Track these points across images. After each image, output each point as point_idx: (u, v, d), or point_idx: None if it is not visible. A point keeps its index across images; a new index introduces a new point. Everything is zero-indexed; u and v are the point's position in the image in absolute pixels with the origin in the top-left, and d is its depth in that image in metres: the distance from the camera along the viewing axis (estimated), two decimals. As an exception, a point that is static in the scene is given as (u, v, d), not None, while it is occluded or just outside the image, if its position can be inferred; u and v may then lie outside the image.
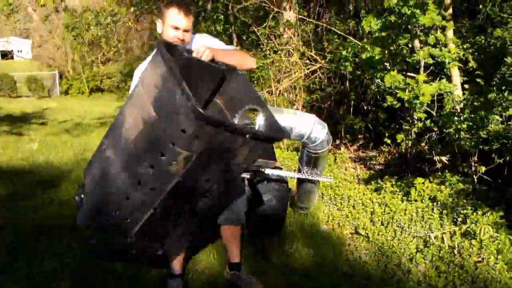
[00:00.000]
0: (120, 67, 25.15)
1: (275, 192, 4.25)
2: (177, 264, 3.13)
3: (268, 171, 4.18)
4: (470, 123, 4.94)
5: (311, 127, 4.00)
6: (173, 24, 2.77)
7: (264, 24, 9.93)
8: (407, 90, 4.84)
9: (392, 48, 5.41)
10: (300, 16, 9.79)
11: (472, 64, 5.24)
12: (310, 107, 10.09)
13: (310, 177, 4.47)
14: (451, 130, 5.14)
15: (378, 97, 8.53)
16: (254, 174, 4.06)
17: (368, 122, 9.35)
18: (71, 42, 19.76)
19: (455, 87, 5.47)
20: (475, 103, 5.11)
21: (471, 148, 5.17)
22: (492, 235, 4.33)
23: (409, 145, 5.80)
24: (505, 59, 4.53)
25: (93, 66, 27.21)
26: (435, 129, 5.32)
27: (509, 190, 5.31)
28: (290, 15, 9.87)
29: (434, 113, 5.49)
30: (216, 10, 11.83)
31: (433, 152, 5.73)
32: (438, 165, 5.88)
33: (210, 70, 2.58)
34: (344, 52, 6.17)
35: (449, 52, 4.97)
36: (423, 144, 5.60)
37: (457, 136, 5.10)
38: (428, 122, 5.41)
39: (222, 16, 11.61)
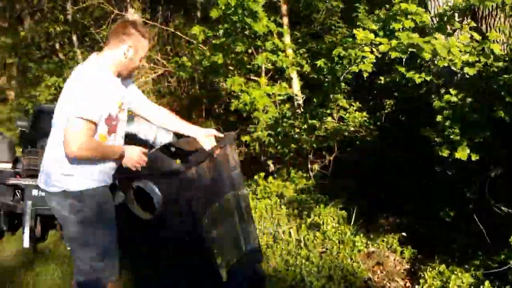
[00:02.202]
0: None
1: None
2: None
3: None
4: (306, 125, 5.28)
5: (155, 132, 3.94)
6: (144, 55, 2.65)
7: (104, 27, 9.56)
8: (244, 93, 5.00)
9: (232, 55, 5.55)
10: (144, 20, 9.62)
11: (306, 68, 5.59)
12: (161, 111, 9.94)
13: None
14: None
15: (228, 100, 8.69)
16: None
17: (219, 125, 9.47)
18: None
19: (292, 91, 5.83)
20: (311, 106, 5.50)
21: (308, 147, 5.52)
22: (334, 226, 4.65)
23: (257, 146, 6.01)
24: (324, 67, 4.91)
25: None
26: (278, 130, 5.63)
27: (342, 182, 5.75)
28: (134, 18, 9.63)
29: (279, 114, 5.76)
30: (53, 10, 11.12)
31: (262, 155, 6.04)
32: (270, 163, 6.19)
33: None
34: (183, 59, 6.18)
35: (287, 57, 5.26)
36: (271, 142, 5.85)
37: (293, 136, 5.41)
38: (269, 123, 5.66)
39: (61, 17, 10.94)
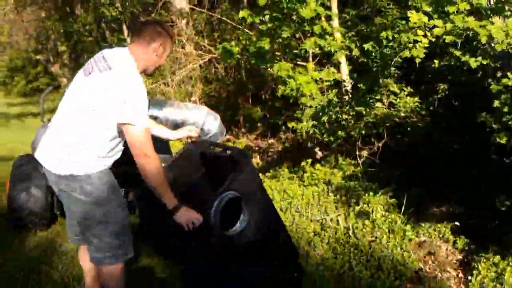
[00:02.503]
0: (5, 62, 23.44)
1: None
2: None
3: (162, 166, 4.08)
4: (354, 111, 5.17)
5: (203, 119, 3.95)
6: (169, 54, 2.78)
7: (153, 14, 9.68)
8: (291, 79, 4.93)
9: (279, 40, 5.48)
10: (191, 6, 9.66)
11: (355, 52, 5.45)
12: (208, 97, 10.02)
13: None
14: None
15: (274, 86, 8.65)
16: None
17: (265, 111, 9.45)
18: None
19: (340, 76, 5.70)
20: (357, 92, 5.37)
21: (357, 134, 5.41)
22: (383, 214, 4.56)
23: (304, 132, 5.94)
24: (372, 50, 4.76)
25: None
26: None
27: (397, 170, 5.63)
28: (182, 4, 9.70)
29: (326, 100, 5.66)
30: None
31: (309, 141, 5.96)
32: (317, 151, 6.12)
33: None
34: (225, 44, 6.14)
35: (335, 41, 5.13)
36: (317, 133, 5.77)
37: (340, 123, 5.31)
38: (317, 109, 5.57)
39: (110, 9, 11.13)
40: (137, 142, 2.44)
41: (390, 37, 4.28)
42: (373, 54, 4.86)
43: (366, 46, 4.75)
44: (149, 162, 2.45)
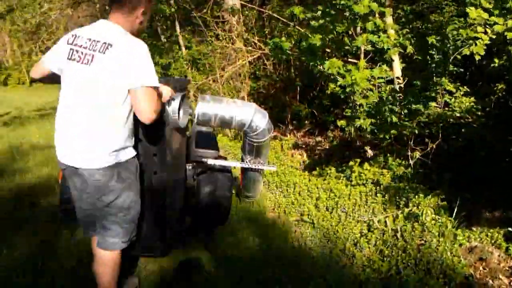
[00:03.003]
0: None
1: (219, 182, 4.17)
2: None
3: (210, 161, 4.10)
4: (408, 108, 5.03)
5: (251, 116, 3.93)
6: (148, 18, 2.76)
7: (205, 10, 9.76)
8: (347, 75, 4.85)
9: (332, 35, 5.40)
10: (242, 2, 9.68)
11: (409, 50, 5.30)
12: (256, 94, 10.04)
13: (253, 166, 4.42)
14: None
15: (323, 83, 8.57)
16: (196, 164, 3.97)
17: (314, 109, 9.39)
18: (9, 31, 18.92)
19: (393, 73, 5.56)
20: (411, 90, 5.22)
21: (409, 133, 5.27)
22: (433, 217, 4.43)
23: (352, 131, 5.84)
24: (437, 44, 4.61)
25: (32, 55, 26.15)
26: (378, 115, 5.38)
27: (448, 173, 5.46)
28: (233, 1, 9.74)
29: (370, 98, 5.55)
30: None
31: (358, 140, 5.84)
32: (368, 149, 5.98)
33: None
34: (277, 40, 6.11)
35: (388, 38, 5.01)
36: (365, 129, 5.65)
37: (392, 122, 5.18)
38: (368, 107, 5.46)
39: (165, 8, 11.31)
40: (147, 103, 2.47)
41: (455, 33, 4.12)
42: (434, 50, 4.70)
43: (430, 39, 4.58)
44: (154, 114, 2.51)
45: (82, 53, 2.51)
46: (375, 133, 5.44)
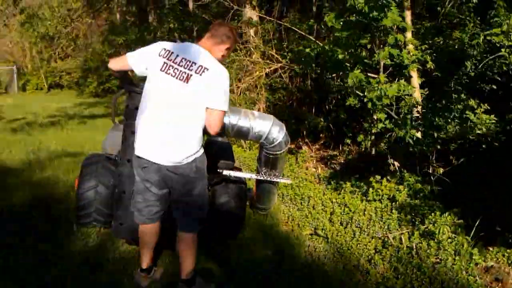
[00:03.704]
0: (79, 63, 24.53)
1: (233, 193, 4.17)
2: (144, 260, 3.39)
3: (226, 172, 4.10)
4: (427, 125, 4.98)
5: (269, 128, 3.94)
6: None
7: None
8: (368, 90, 4.83)
9: (352, 49, 5.38)
10: (260, 15, 9.72)
11: (430, 65, 5.25)
12: (272, 106, 10.04)
13: (268, 178, 4.40)
14: (403, 132, 5.23)
15: (339, 97, 8.55)
16: (212, 175, 3.97)
17: (330, 122, 9.35)
18: (29, 37, 19.18)
19: (414, 89, 5.51)
20: (433, 105, 5.15)
21: (428, 150, 5.21)
22: (450, 236, 4.36)
23: (369, 145, 5.79)
24: (466, 62, 4.56)
25: (51, 61, 26.50)
26: (395, 130, 5.33)
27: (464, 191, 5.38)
28: (251, 13, 9.79)
29: (393, 114, 5.50)
30: (175, 7, 11.63)
31: (389, 153, 5.77)
32: (397, 165, 5.91)
33: None
34: (307, 50, 6.14)
35: (408, 53, 4.98)
36: (382, 144, 5.60)
37: (413, 138, 5.12)
38: (387, 123, 5.41)
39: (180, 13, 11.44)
40: (218, 123, 3.04)
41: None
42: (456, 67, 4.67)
43: (468, 64, 4.60)
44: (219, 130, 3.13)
45: (177, 70, 2.95)
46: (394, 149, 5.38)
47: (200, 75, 2.92)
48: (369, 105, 4.85)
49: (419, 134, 5.01)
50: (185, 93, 2.93)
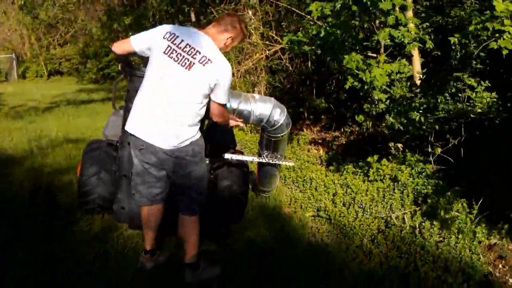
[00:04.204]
0: (78, 49, 24.41)
1: (235, 177, 4.17)
2: (148, 242, 3.42)
3: (227, 155, 4.10)
4: (425, 105, 4.95)
5: (270, 110, 3.93)
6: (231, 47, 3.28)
7: (222, 5, 9.74)
8: (367, 71, 4.79)
9: (351, 31, 5.32)
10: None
11: (429, 44, 5.20)
12: (272, 88, 10.00)
13: (270, 161, 4.40)
14: (392, 119, 5.22)
15: (340, 78, 8.50)
16: (214, 159, 3.97)
17: (330, 103, 9.31)
18: (27, 24, 19.09)
19: (410, 69, 5.47)
20: (430, 86, 5.12)
21: (427, 130, 5.19)
22: (453, 214, 4.37)
23: (370, 126, 5.76)
24: (460, 40, 4.51)
25: (50, 48, 26.38)
26: (387, 117, 5.32)
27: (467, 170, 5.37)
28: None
29: (393, 93, 5.47)
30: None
31: (389, 135, 5.76)
32: (400, 146, 5.90)
33: None
34: (293, 35, 6.09)
35: (409, 31, 4.92)
36: (383, 124, 5.58)
37: (411, 118, 5.10)
38: (387, 103, 5.38)
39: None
40: (224, 115, 3.23)
41: (480, 27, 4.07)
42: (457, 47, 4.62)
43: (452, 39, 4.52)
44: (226, 121, 3.40)
45: (181, 55, 2.95)
46: (396, 129, 5.35)
47: (204, 65, 2.93)
48: (366, 86, 4.82)
49: (416, 116, 4.97)
50: (185, 80, 2.94)
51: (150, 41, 3.05)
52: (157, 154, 3.07)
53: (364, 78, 4.78)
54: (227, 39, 3.12)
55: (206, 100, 3.06)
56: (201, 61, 2.93)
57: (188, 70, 2.92)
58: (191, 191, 3.21)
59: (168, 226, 3.45)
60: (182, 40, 2.97)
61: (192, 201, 3.23)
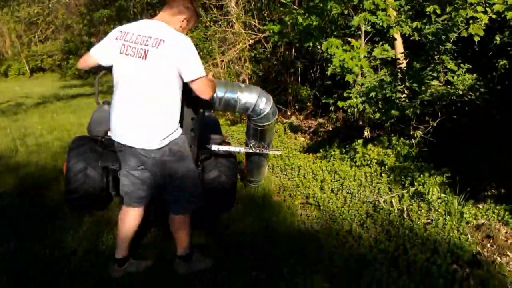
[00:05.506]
0: (60, 45, 24.15)
1: (223, 168, 4.17)
2: (119, 249, 3.30)
3: (214, 147, 4.09)
4: (409, 88, 4.98)
5: (255, 99, 3.91)
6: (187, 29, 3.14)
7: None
8: (335, 56, 4.80)
9: (327, 17, 5.32)
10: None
11: (406, 30, 5.19)
12: (257, 77, 9.98)
13: (257, 151, 4.41)
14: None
15: (323, 65, 8.50)
16: (201, 151, 3.96)
17: (315, 90, 9.32)
18: (7, 22, 18.83)
19: (395, 53, 5.48)
20: (414, 69, 5.15)
21: (411, 113, 5.23)
22: (439, 196, 4.41)
23: (355, 111, 5.78)
24: (437, 19, 4.54)
25: (31, 45, 26.08)
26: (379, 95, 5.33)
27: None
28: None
29: (367, 78, 5.48)
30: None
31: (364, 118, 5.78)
32: (367, 130, 5.94)
33: None
34: (271, 25, 6.10)
35: (388, 15, 4.92)
36: (367, 110, 5.59)
37: (394, 101, 5.13)
38: (359, 87, 5.40)
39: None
40: (207, 88, 2.97)
41: (438, 12, 4.09)
42: (430, 36, 4.65)
43: (414, 24, 4.55)
44: (213, 92, 3.11)
45: (135, 48, 2.85)
46: (374, 113, 5.38)
47: (157, 47, 2.81)
48: (338, 70, 4.83)
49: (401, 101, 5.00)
50: (145, 70, 2.84)
51: (106, 47, 3.00)
52: (135, 156, 3.01)
53: (335, 63, 4.79)
54: (182, 21, 3.00)
55: (176, 87, 2.93)
56: (154, 45, 2.81)
57: (145, 59, 2.81)
58: (179, 191, 3.13)
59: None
60: (133, 34, 2.89)
61: (181, 201, 3.16)
